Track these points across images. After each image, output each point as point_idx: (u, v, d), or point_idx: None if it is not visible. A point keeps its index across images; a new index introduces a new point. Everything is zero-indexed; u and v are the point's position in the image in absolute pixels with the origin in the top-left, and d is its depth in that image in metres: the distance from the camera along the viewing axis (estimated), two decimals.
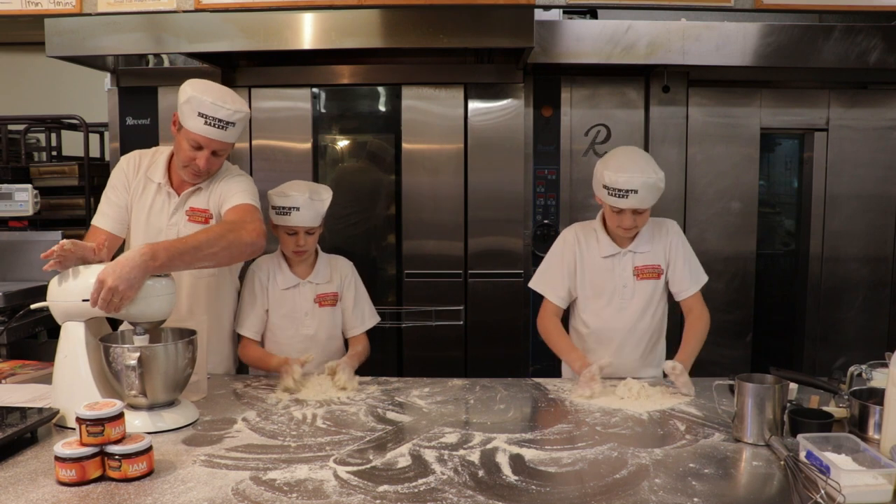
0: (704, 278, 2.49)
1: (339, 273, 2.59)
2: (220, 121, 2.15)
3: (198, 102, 2.15)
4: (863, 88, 3.74)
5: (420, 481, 1.57)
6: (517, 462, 1.68)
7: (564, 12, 3.55)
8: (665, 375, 2.27)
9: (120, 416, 1.61)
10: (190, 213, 2.34)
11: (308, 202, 2.41)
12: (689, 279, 2.46)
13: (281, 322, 2.52)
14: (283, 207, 2.41)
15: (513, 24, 3.00)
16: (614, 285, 2.45)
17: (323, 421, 1.96)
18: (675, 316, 2.62)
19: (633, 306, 2.45)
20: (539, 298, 2.57)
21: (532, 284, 2.57)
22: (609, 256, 2.45)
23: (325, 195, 2.49)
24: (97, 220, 2.36)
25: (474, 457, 1.71)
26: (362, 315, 2.60)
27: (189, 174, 2.30)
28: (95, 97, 4.12)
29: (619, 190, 2.27)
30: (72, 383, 1.89)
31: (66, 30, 3.10)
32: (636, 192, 2.27)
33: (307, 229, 2.44)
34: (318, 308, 2.53)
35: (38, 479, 1.56)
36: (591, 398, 2.15)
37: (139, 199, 2.37)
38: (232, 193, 2.31)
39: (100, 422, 1.57)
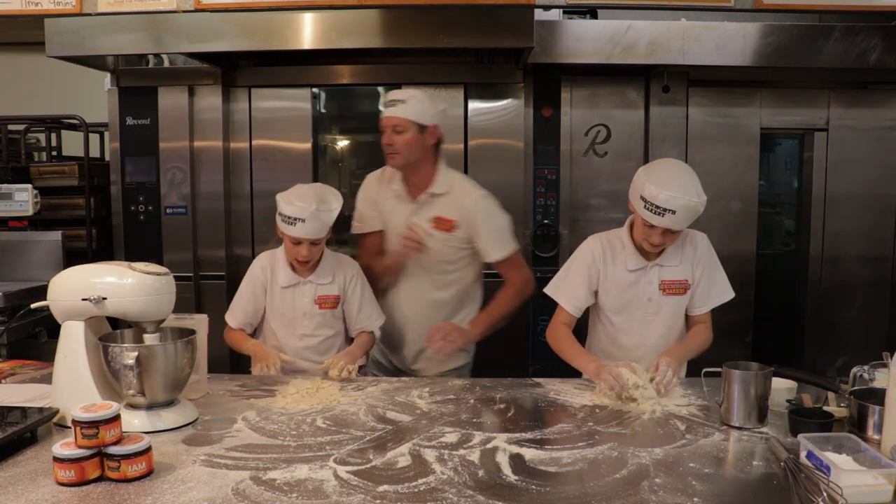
0: (729, 295, 2.42)
1: (343, 274, 2.52)
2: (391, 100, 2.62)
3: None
4: (863, 88, 3.74)
5: (420, 481, 1.57)
6: (517, 462, 1.68)
7: (564, 12, 3.55)
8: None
9: (115, 418, 1.59)
10: (436, 221, 2.58)
11: (314, 214, 2.31)
12: (707, 299, 2.40)
13: (277, 322, 2.50)
14: (289, 217, 2.33)
15: (513, 24, 3.00)
16: (639, 299, 2.37)
17: (323, 421, 1.96)
18: None
19: (658, 321, 2.38)
20: (544, 300, 2.50)
21: (548, 290, 2.46)
22: (635, 270, 2.36)
23: (333, 204, 2.39)
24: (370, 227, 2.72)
25: (474, 456, 1.71)
26: (369, 315, 2.57)
27: (390, 160, 2.61)
28: (95, 97, 4.12)
29: (657, 206, 2.14)
30: (72, 383, 1.89)
31: (66, 30, 3.10)
32: (674, 212, 2.14)
33: (312, 240, 2.37)
34: (317, 310, 2.48)
35: (38, 479, 1.56)
36: (618, 393, 2.10)
37: (384, 210, 2.69)
38: (493, 244, 2.61)
39: (94, 424, 1.55)
